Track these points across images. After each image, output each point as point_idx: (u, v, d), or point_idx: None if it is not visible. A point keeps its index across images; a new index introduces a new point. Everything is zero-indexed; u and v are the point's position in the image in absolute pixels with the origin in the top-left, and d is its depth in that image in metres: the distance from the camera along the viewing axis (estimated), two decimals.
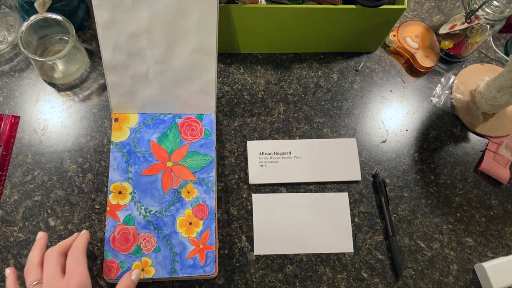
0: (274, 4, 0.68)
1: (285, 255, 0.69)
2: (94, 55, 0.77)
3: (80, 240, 0.60)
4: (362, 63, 0.81)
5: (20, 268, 0.64)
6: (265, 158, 0.73)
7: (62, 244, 0.59)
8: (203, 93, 0.69)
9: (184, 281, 0.66)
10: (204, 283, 0.66)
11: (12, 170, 0.69)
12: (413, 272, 0.69)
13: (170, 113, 0.70)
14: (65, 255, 0.58)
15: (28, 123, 0.72)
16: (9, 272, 0.58)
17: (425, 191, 0.74)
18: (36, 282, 0.55)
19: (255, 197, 0.71)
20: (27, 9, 0.72)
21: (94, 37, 0.78)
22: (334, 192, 0.72)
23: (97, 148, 0.71)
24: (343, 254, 0.69)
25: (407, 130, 0.78)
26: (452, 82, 0.81)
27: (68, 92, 0.75)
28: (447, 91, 0.81)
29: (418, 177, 0.75)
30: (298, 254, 0.69)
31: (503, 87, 0.71)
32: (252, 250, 0.68)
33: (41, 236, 0.60)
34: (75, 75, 0.75)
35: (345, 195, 0.72)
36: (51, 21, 0.70)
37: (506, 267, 0.69)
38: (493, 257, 0.71)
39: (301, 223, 0.70)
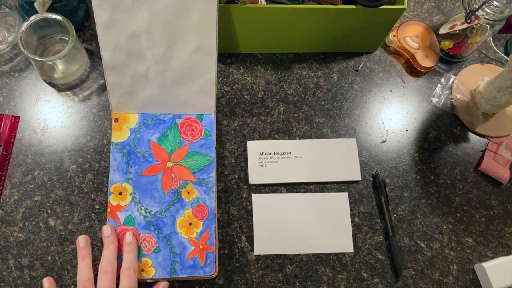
0: (274, 4, 0.68)
1: (285, 255, 0.69)
2: (94, 55, 0.77)
3: (131, 256, 0.61)
4: (362, 63, 0.81)
5: (20, 268, 0.64)
6: (265, 158, 0.73)
7: (111, 260, 0.60)
8: (203, 93, 0.69)
9: (184, 281, 0.66)
10: (204, 283, 0.66)
11: (12, 170, 0.69)
12: (413, 272, 0.69)
13: (170, 113, 0.70)
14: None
15: (28, 123, 0.72)
16: (48, 285, 0.60)
17: (425, 191, 0.74)
18: None
19: (255, 197, 0.71)
20: (27, 9, 0.72)
21: (94, 37, 0.78)
22: (334, 192, 0.72)
23: (97, 148, 0.71)
24: (343, 254, 0.69)
25: (407, 130, 0.78)
26: (452, 82, 0.81)
27: (68, 92, 0.74)
28: (447, 91, 0.80)
29: (418, 177, 0.75)
30: (298, 254, 0.69)
31: (503, 87, 0.71)
32: (252, 250, 0.68)
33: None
34: (75, 75, 0.75)
35: (345, 195, 0.72)
36: (51, 21, 0.70)
37: (506, 267, 0.69)
38: (493, 257, 0.71)
39: (301, 223, 0.70)
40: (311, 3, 0.69)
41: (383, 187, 0.72)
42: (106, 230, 0.62)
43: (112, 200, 0.65)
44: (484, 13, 0.70)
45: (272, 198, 0.71)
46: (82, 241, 0.61)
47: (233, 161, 0.73)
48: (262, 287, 0.67)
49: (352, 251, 0.69)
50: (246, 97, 0.77)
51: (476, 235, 0.72)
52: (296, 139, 0.75)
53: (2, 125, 0.70)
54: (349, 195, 0.72)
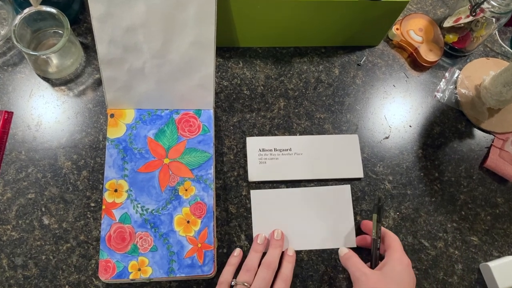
0: None
1: None
2: (89, 49, 0.76)
3: (290, 266, 0.63)
4: (364, 57, 0.80)
5: (13, 268, 0.63)
6: (265, 155, 0.71)
7: (276, 260, 0.63)
8: (201, 88, 0.68)
9: (182, 281, 0.65)
10: (203, 283, 0.65)
11: (5, 167, 0.68)
12: (416, 272, 0.68)
13: (167, 109, 0.69)
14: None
15: (21, 118, 0.71)
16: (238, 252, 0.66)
17: (429, 189, 0.73)
18: (245, 284, 0.60)
19: (254, 193, 0.69)
20: (21, 2, 0.70)
21: (89, 31, 0.77)
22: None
23: (92, 145, 0.70)
24: None
25: (410, 126, 0.76)
26: (457, 77, 0.80)
27: (63, 87, 0.73)
28: (451, 86, 0.79)
29: (422, 174, 0.74)
30: (298, 253, 0.67)
31: (509, 81, 0.70)
32: None
33: (262, 242, 0.65)
34: (70, 70, 0.73)
35: (347, 188, 0.70)
36: (45, 14, 0.68)
37: None
38: (498, 256, 0.70)
39: (302, 220, 0.68)
40: None
41: (380, 212, 0.65)
42: (278, 234, 0.66)
43: (107, 197, 0.64)
44: (490, 6, 0.69)
45: (271, 194, 0.69)
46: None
47: (232, 157, 0.71)
48: None
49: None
50: (245, 92, 0.76)
51: (481, 233, 0.71)
52: (296, 135, 0.74)
53: None
54: (351, 192, 0.71)
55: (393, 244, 0.61)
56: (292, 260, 0.64)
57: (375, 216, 0.64)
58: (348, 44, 0.80)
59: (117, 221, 0.63)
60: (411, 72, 0.80)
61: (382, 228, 0.65)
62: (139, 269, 0.62)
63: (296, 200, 0.70)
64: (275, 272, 0.61)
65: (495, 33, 0.84)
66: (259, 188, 0.70)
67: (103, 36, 0.63)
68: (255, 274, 0.61)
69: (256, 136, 0.73)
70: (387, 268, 0.58)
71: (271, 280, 0.61)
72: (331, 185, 0.71)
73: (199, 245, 0.63)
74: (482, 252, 0.70)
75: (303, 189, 0.70)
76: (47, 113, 0.71)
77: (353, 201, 0.71)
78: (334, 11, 0.69)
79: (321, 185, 0.71)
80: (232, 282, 0.60)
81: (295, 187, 0.71)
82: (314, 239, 0.68)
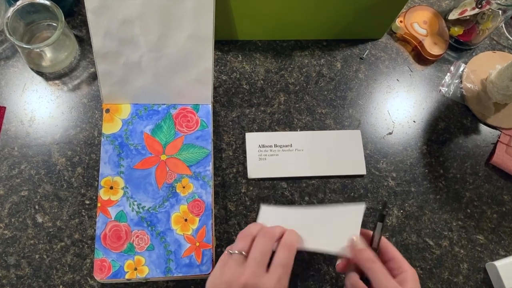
0: None
1: None
2: (84, 42, 0.74)
3: (293, 236, 0.56)
4: (367, 51, 0.79)
5: (5, 267, 0.62)
6: (265, 151, 0.70)
7: (277, 231, 0.55)
8: (199, 82, 0.66)
9: (180, 281, 0.63)
10: (201, 283, 0.64)
11: None
12: (421, 271, 0.67)
13: (165, 104, 0.68)
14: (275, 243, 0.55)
15: (14, 114, 0.69)
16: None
17: (434, 186, 0.72)
18: (243, 252, 0.52)
19: (264, 209, 0.62)
20: None
21: (84, 23, 0.75)
22: (347, 204, 0.66)
23: (87, 141, 0.69)
24: None
25: (414, 122, 0.75)
26: (462, 71, 0.79)
27: (57, 81, 0.72)
28: (456, 80, 0.78)
29: (426, 171, 0.72)
30: (299, 252, 0.66)
31: None
32: None
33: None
34: (64, 63, 0.72)
35: (361, 208, 0.59)
36: (38, 6, 0.67)
37: None
38: (505, 256, 0.69)
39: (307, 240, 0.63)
40: None
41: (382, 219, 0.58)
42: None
43: (103, 194, 0.63)
44: None
45: (280, 212, 0.62)
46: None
47: (231, 154, 0.70)
48: None
49: None
50: (244, 86, 0.74)
51: (487, 232, 0.70)
52: (297, 130, 0.73)
53: None
54: (353, 190, 0.70)
55: (396, 254, 0.54)
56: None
57: (379, 225, 0.55)
58: (351, 37, 0.79)
59: (113, 219, 0.62)
60: (415, 66, 0.79)
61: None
62: (136, 269, 0.60)
63: (306, 222, 0.61)
64: (274, 244, 0.54)
65: (502, 26, 0.83)
66: (259, 185, 0.69)
67: (98, 28, 0.61)
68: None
69: (256, 131, 0.72)
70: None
71: (271, 250, 0.53)
72: (333, 181, 0.70)
73: (197, 244, 0.62)
74: (488, 251, 0.69)
75: (316, 210, 0.62)
76: (40, 108, 0.70)
77: (355, 198, 0.69)
78: (336, 1, 0.68)
79: (322, 182, 0.70)
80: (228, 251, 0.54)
81: (295, 183, 0.69)
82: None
